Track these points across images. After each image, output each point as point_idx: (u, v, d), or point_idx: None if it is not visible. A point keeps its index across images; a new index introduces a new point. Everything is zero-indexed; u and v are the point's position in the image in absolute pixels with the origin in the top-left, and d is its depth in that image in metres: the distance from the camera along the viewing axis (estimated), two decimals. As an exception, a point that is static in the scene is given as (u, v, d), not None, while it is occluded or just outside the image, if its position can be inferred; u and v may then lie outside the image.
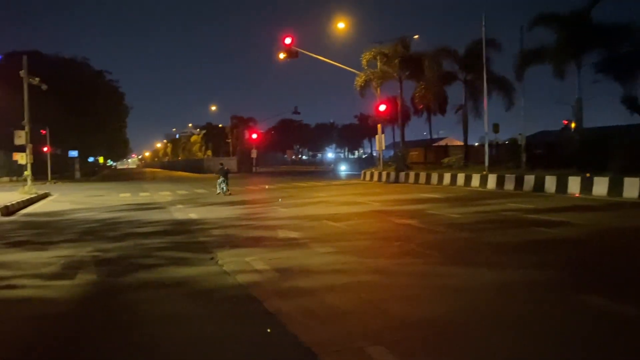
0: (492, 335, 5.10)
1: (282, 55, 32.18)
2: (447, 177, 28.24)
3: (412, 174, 31.77)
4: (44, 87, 29.40)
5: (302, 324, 5.48)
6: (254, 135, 73.47)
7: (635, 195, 17.44)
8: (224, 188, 25.21)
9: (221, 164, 28.17)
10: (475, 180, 25.85)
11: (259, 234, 12.17)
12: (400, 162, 35.21)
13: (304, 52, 33.84)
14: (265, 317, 5.80)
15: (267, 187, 24.61)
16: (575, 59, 26.93)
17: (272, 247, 10.22)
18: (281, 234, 11.86)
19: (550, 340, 4.92)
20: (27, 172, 28.11)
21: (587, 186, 19.42)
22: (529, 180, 22.28)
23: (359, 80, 37.94)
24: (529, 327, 5.27)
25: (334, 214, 15.56)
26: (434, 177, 29.29)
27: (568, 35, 26.82)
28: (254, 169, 69.56)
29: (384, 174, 34.28)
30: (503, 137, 33.71)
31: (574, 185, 20.03)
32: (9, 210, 18.89)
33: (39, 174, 39.47)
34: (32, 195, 24.27)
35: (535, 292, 6.54)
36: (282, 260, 8.85)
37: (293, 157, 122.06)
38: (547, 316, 5.63)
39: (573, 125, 30.79)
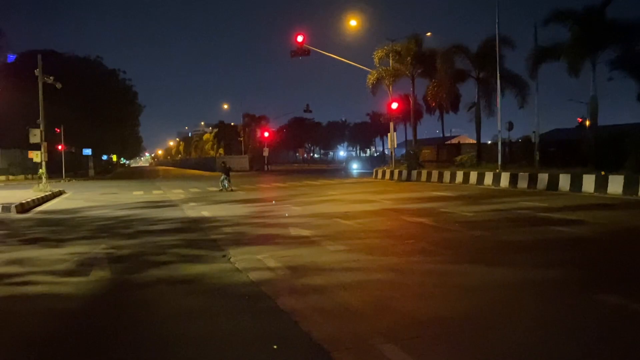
0: (505, 334, 5.07)
1: (294, 54, 32.17)
2: (459, 175, 28.08)
3: (424, 172, 31.64)
4: (59, 85, 29.72)
5: (315, 321, 5.49)
6: (266, 134, 73.71)
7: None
8: (226, 185, 27.32)
9: (223, 162, 31.07)
10: (488, 179, 25.69)
11: (271, 231, 12.20)
12: (412, 160, 35.09)
13: (316, 50, 33.81)
14: (277, 314, 5.82)
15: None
16: (590, 56, 26.66)
17: (284, 244, 10.24)
18: (293, 231, 11.87)
19: (563, 340, 4.87)
20: (42, 170, 28.42)
21: (602, 184, 19.21)
22: (543, 178, 22.10)
23: (371, 78, 37.88)
24: (543, 326, 5.22)
25: (346, 212, 15.54)
26: (447, 176, 29.14)
27: (583, 32, 26.56)
28: (265, 167, 69.75)
29: (396, 172, 34.17)
30: (516, 135, 33.43)
31: (588, 183, 19.82)
32: (24, 207, 19.12)
33: (53, 172, 39.89)
34: (47, 193, 24.54)
35: (549, 291, 6.49)
36: (294, 257, 8.86)
37: (305, 155, 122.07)
38: (561, 315, 5.58)
39: (587, 123, 30.48)
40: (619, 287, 6.66)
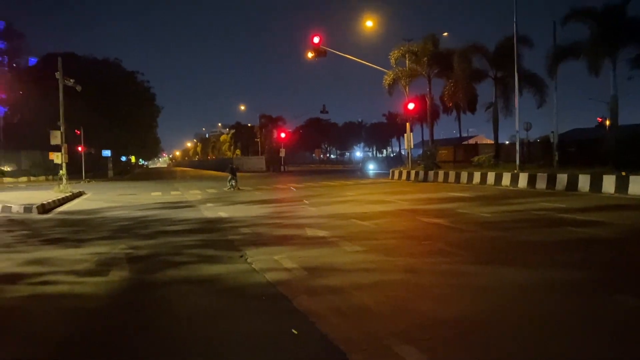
0: (522, 334, 5.04)
1: (310, 55, 32.23)
2: (477, 176, 27.87)
3: (441, 173, 31.47)
4: (79, 88, 30.11)
5: (331, 322, 5.51)
6: (282, 135, 73.95)
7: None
8: (233, 184, 29.06)
9: (230, 164, 32.98)
10: (506, 179, 25.46)
11: (288, 232, 12.24)
12: (429, 160, 34.93)
13: (333, 51, 33.84)
14: (294, 314, 5.85)
15: (294, 188, 24.16)
16: (610, 54, 26.30)
17: (300, 245, 10.27)
18: (309, 232, 11.90)
19: (581, 340, 4.83)
20: (63, 171, 28.85)
21: (622, 185, 18.92)
22: (562, 178, 21.83)
23: (388, 79, 37.81)
24: (560, 327, 5.18)
25: (363, 212, 15.53)
26: (464, 176, 28.94)
27: (603, 31, 26.22)
28: (282, 167, 69.96)
29: (413, 172, 34.05)
30: (534, 134, 33.14)
31: (608, 184, 19.54)
32: (45, 208, 19.44)
33: (73, 173, 40.46)
34: (67, 194, 24.90)
35: (567, 292, 6.42)
36: (310, 258, 8.88)
37: (321, 156, 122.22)
38: (580, 316, 5.52)
39: (608, 122, 30.06)
40: (639, 288, 6.56)
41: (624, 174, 19.39)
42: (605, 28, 26.09)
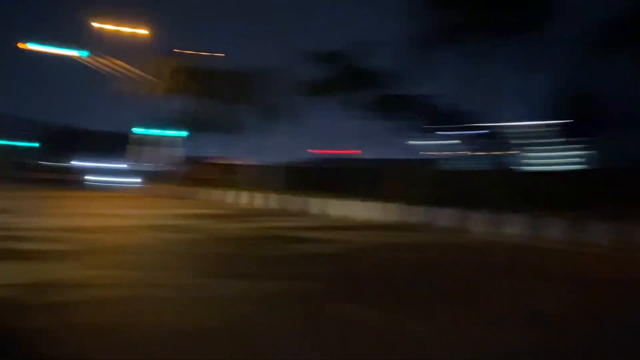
0: (251, 340, 5.31)
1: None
2: (225, 194, 28.56)
3: (187, 189, 31.43)
4: None
5: (62, 340, 5.09)
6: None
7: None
8: None
9: None
10: (254, 199, 26.65)
11: (10, 245, 10.62)
12: (175, 176, 34.60)
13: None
14: (20, 334, 5.23)
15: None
16: (345, 94, 29.88)
17: (23, 259, 9.10)
18: (37, 246, 10.61)
19: (302, 345, 5.28)
20: None
21: (364, 209, 20.94)
22: (306, 201, 23.61)
23: (140, 89, 36.62)
24: (282, 333, 5.61)
25: (98, 226, 14.62)
26: (211, 193, 29.38)
27: (338, 73, 29.77)
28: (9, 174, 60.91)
29: (160, 187, 33.24)
30: (287, 159, 35.33)
31: (353, 208, 21.33)
32: None
33: None
34: None
35: (295, 302, 6.99)
36: (37, 274, 7.95)
37: (53, 163, 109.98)
38: (302, 324, 6.01)
39: (353, 154, 34.07)
40: (356, 297, 7.46)
41: (358, 199, 21.57)
42: (339, 71, 29.62)
